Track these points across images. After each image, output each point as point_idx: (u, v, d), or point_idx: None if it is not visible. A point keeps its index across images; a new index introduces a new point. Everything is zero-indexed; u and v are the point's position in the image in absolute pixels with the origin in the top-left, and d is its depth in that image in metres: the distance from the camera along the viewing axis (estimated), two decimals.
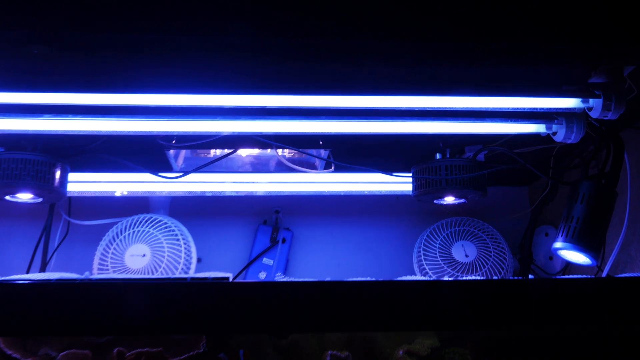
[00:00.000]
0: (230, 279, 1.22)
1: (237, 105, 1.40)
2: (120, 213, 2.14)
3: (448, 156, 1.69)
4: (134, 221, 2.09)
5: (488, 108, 1.44)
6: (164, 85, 1.37)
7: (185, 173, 1.70)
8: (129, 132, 1.47)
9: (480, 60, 1.37)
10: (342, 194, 2.06)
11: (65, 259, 2.19)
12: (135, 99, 1.36)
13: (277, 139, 1.61)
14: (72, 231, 2.20)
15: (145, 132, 1.48)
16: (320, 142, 1.67)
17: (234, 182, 1.94)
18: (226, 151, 1.71)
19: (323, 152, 1.73)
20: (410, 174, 1.74)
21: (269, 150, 1.78)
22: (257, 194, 2.01)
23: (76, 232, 2.19)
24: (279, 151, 1.78)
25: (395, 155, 1.78)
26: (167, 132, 1.50)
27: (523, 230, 2.16)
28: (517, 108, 1.44)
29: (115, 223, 2.10)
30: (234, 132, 1.52)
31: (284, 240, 2.23)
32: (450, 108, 1.42)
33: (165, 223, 2.09)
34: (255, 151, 1.80)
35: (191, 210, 2.27)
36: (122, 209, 2.16)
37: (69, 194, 1.83)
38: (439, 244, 2.10)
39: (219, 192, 1.99)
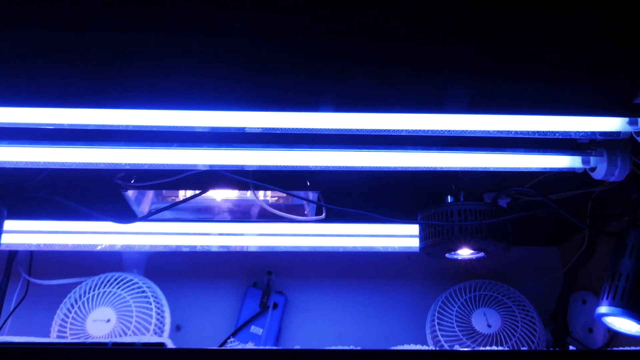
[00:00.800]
0: (168, 346, 0.93)
1: (210, 126, 1.13)
2: (90, 271, 1.87)
3: (462, 200, 1.39)
4: (100, 281, 1.81)
5: (509, 132, 1.15)
6: (117, 100, 1.10)
7: (134, 220, 1.41)
8: (68, 163, 1.20)
9: (497, 73, 1.09)
10: (341, 250, 1.77)
11: (24, 323, 1.92)
12: (73, 116, 1.09)
13: (257, 177, 1.34)
14: (33, 292, 1.92)
15: (92, 163, 1.22)
16: (308, 183, 1.39)
17: (211, 235, 1.66)
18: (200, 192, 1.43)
19: (311, 195, 1.44)
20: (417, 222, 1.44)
21: (249, 193, 1.50)
22: (249, 249, 1.74)
23: (37, 292, 1.92)
24: (260, 195, 1.50)
25: (397, 202, 1.49)
26: (121, 164, 1.23)
27: (555, 297, 1.89)
28: (546, 132, 1.15)
29: (81, 283, 1.82)
30: (205, 166, 1.25)
31: (275, 306, 1.93)
32: (461, 132, 1.14)
33: (135, 283, 1.80)
34: (234, 195, 1.52)
35: (171, 271, 1.99)
36: (92, 267, 1.89)
37: (12, 248, 1.57)
38: (457, 311, 1.80)
39: (195, 246, 1.72)
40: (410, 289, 2.02)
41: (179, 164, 1.25)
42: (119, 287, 1.80)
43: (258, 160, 1.23)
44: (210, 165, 1.27)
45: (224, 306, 1.98)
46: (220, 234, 1.65)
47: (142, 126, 1.13)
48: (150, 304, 1.78)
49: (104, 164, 1.22)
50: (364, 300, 2.01)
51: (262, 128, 1.15)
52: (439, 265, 1.99)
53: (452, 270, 1.97)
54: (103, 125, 1.10)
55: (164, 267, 1.97)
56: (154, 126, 1.13)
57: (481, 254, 1.44)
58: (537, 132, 1.14)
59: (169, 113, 1.13)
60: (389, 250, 1.78)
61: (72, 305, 1.78)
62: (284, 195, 1.50)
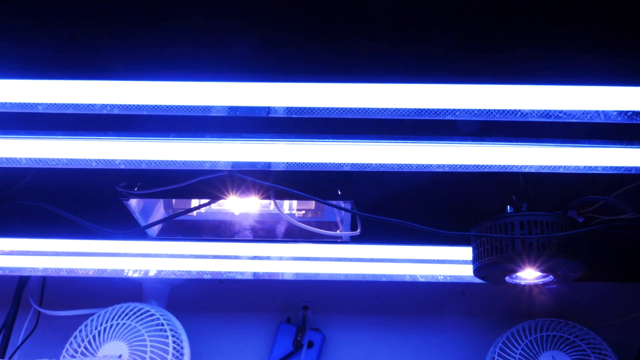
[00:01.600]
0: None
1: (227, 105, 0.93)
2: (107, 301, 1.69)
3: (525, 210, 1.14)
4: (115, 312, 1.64)
5: (575, 114, 0.91)
6: (104, 70, 0.91)
7: (127, 234, 1.21)
8: (51, 160, 1.02)
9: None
10: (384, 280, 1.54)
11: (34, 357, 1.73)
12: (46, 91, 0.90)
13: (280, 180, 1.13)
14: (44, 323, 1.75)
15: (80, 160, 1.03)
16: (339, 192, 1.18)
17: (235, 258, 1.46)
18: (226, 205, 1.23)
19: (343, 205, 1.23)
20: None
21: (272, 206, 1.29)
22: (283, 276, 1.53)
23: (49, 324, 1.74)
24: (285, 206, 1.29)
25: (445, 219, 1.24)
26: (116, 162, 1.04)
27: (638, 340, 1.70)
28: (632, 114, 0.91)
29: (95, 314, 1.65)
30: (226, 164, 1.05)
31: (310, 345, 1.74)
32: (502, 112, 0.91)
33: (152, 315, 1.61)
34: (256, 208, 1.32)
35: (196, 304, 1.83)
36: (110, 296, 1.72)
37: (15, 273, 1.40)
38: (520, 354, 1.59)
39: (218, 272, 1.52)
40: (465, 328, 1.80)
41: (190, 161, 1.05)
42: (134, 320, 1.61)
43: (285, 155, 1.03)
44: (233, 164, 1.06)
45: (254, 344, 1.80)
46: (244, 257, 1.45)
47: (139, 106, 0.92)
48: (168, 338, 1.58)
49: (95, 160, 1.03)
50: (412, 341, 1.79)
51: (288, 108, 0.94)
52: (499, 302, 1.78)
53: (513, 307, 1.76)
54: (86, 106, 0.91)
55: (188, 300, 1.80)
56: (155, 106, 0.92)
57: (549, 278, 1.18)
58: (616, 112, 0.89)
59: (174, 86, 0.92)
60: (440, 280, 1.54)
61: (83, 339, 1.60)
62: (312, 208, 1.29)
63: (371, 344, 1.78)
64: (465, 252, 1.44)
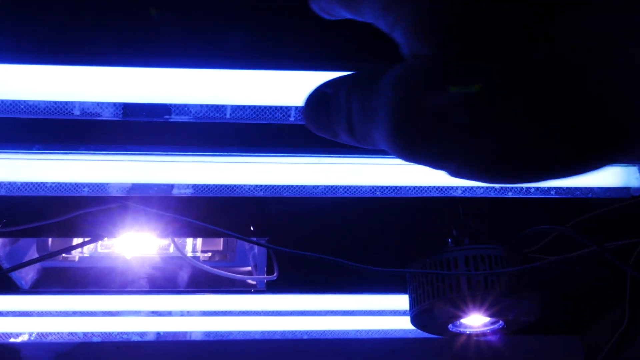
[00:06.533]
0: None
1: (120, 101, 0.72)
2: None
3: (467, 244, 0.98)
4: None
5: None
6: None
7: None
8: None
9: None
10: (306, 336, 1.33)
11: None
12: None
13: (181, 213, 0.93)
14: None
15: None
16: (252, 228, 0.99)
17: (132, 314, 1.23)
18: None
19: (257, 253, 1.03)
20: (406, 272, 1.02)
21: (172, 247, 1.08)
22: (192, 336, 1.28)
23: None
24: (188, 248, 1.08)
25: (376, 257, 1.06)
26: None
27: None
28: None
29: None
30: (119, 189, 0.84)
31: None
32: None
33: None
34: (153, 250, 1.10)
35: None
36: None
37: None
38: None
39: (109, 332, 1.28)
40: None
41: (68, 183, 0.84)
42: None
43: (188, 175, 0.83)
44: (131, 187, 0.85)
45: None
46: (143, 313, 1.21)
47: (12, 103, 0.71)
48: None
49: None
50: None
51: (192, 108, 0.74)
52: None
53: None
54: None
55: None
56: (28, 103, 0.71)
57: (499, 324, 1.01)
58: None
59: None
60: (369, 335, 1.35)
61: None
62: (220, 249, 1.09)
63: None
64: (398, 302, 1.27)
